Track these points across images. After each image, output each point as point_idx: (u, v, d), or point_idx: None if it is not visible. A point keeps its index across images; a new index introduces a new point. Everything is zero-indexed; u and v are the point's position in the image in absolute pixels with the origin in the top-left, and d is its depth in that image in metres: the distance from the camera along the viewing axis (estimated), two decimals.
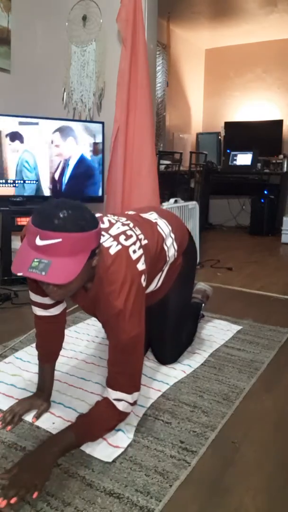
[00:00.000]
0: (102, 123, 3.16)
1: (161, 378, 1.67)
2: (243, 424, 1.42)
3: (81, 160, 3.15)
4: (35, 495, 1.04)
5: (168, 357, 1.79)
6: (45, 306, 1.39)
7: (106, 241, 1.28)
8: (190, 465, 1.21)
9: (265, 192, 5.17)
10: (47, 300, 1.38)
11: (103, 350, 1.91)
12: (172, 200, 3.22)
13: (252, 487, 1.15)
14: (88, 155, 3.17)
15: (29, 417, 1.40)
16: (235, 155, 5.37)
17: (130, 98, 2.98)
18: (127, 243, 1.30)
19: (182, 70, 5.72)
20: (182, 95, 5.80)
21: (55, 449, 1.16)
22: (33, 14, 3.44)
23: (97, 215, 1.37)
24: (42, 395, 1.46)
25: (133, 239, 1.34)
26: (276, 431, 1.40)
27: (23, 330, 2.07)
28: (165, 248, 1.58)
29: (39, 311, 1.41)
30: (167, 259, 1.60)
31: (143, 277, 1.29)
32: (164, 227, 1.61)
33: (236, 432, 1.38)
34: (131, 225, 1.41)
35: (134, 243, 1.32)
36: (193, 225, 3.36)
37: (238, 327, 2.23)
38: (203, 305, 2.15)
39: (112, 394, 1.26)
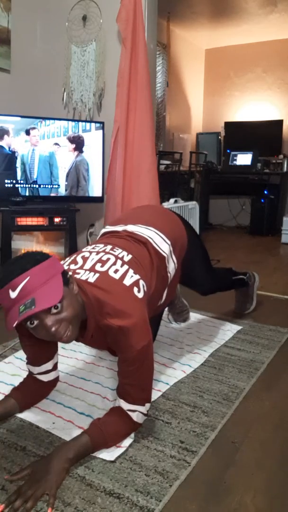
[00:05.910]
0: (102, 123, 3.15)
1: (161, 378, 1.68)
2: (243, 424, 1.42)
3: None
4: (50, 510, 1.04)
5: (205, 284, 1.96)
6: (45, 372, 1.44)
7: (82, 275, 1.29)
8: (190, 465, 1.21)
9: (265, 192, 5.17)
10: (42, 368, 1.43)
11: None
12: (172, 200, 3.23)
13: (252, 487, 1.15)
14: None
15: (28, 417, 1.40)
16: (235, 155, 5.36)
17: (130, 98, 2.98)
18: (104, 269, 1.32)
19: (182, 70, 5.72)
20: (182, 95, 5.80)
21: (71, 455, 1.15)
22: (33, 14, 3.45)
23: (72, 257, 1.42)
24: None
25: (111, 261, 1.35)
26: (276, 431, 1.40)
27: None
28: (166, 265, 1.57)
29: (35, 371, 1.44)
30: (168, 275, 1.59)
31: (135, 289, 1.30)
32: (162, 244, 1.57)
33: (236, 432, 1.38)
34: (108, 248, 1.42)
35: (114, 263, 1.34)
36: (193, 225, 3.35)
37: (238, 327, 2.23)
38: (245, 279, 2.36)
39: (125, 405, 1.26)
